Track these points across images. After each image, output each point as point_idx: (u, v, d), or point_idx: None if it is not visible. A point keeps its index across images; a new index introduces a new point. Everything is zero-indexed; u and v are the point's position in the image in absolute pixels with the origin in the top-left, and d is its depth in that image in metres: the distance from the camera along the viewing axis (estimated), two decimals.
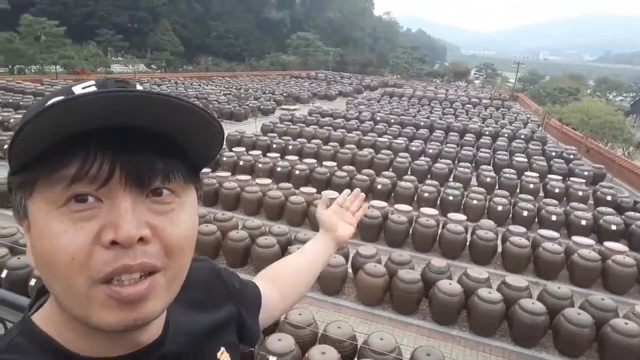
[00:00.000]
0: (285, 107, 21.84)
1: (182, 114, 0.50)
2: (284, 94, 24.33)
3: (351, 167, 10.82)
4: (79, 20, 39.49)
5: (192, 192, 0.59)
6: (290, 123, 16.00)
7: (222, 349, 0.76)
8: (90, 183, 0.48)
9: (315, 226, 8.18)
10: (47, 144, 0.48)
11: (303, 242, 6.62)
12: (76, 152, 0.48)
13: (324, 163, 11.16)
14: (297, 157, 11.62)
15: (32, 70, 26.32)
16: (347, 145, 12.90)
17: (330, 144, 13.03)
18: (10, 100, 16.36)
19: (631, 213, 8.88)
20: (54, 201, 0.49)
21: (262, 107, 20.14)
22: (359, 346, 4.43)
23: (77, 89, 0.49)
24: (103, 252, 0.48)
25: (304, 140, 13.22)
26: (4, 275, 5.12)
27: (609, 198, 9.95)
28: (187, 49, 42.18)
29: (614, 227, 8.21)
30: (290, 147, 12.58)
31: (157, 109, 0.48)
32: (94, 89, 0.49)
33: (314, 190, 9.12)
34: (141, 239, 0.50)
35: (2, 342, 0.56)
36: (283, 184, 9.33)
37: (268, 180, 9.61)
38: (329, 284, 6.14)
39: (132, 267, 0.49)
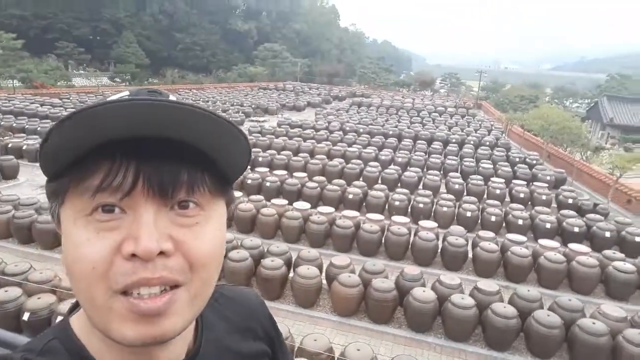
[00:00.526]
0: (254, 119, 21.74)
1: (208, 125, 0.50)
2: (253, 106, 24.21)
3: (322, 178, 10.83)
4: (37, 33, 38.22)
5: (220, 206, 0.58)
6: (259, 135, 15.93)
7: None
8: (114, 193, 0.48)
9: (287, 238, 8.12)
10: (74, 153, 0.49)
11: (276, 255, 6.55)
12: (102, 162, 0.49)
13: (295, 174, 11.13)
14: (267, 169, 11.55)
15: None
16: (317, 156, 12.94)
17: (300, 155, 13.03)
18: None
19: (592, 215, 9.26)
20: (81, 210, 0.49)
21: (230, 119, 19.93)
22: (336, 358, 4.39)
23: (113, 99, 0.49)
24: (123, 264, 0.48)
25: (273, 151, 13.17)
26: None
27: (570, 201, 10.35)
28: (153, 61, 41.44)
29: (576, 229, 8.52)
30: (260, 159, 12.49)
31: (183, 119, 0.48)
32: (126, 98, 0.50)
33: (285, 202, 9.06)
34: (162, 253, 0.48)
35: (38, 343, 0.57)
36: (254, 197, 9.24)
37: (239, 193, 9.49)
38: (304, 296, 6.08)
39: (151, 281, 0.48)
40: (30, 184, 10.44)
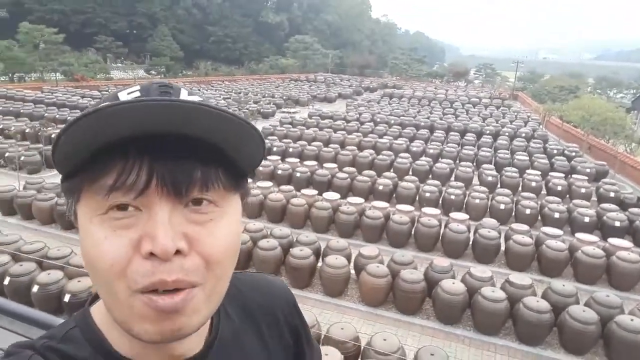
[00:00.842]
0: (285, 110, 21.85)
1: (219, 122, 0.49)
2: (284, 97, 24.33)
3: (352, 169, 10.80)
4: (77, 28, 39.58)
5: (235, 201, 0.58)
6: (290, 126, 16.00)
7: None
8: (127, 192, 0.48)
9: (316, 228, 8.16)
10: (86, 152, 0.48)
11: (305, 244, 6.60)
12: (115, 161, 0.48)
13: (325, 165, 11.14)
14: (297, 160, 11.61)
15: (32, 78, 26.39)
16: (348, 147, 12.90)
17: (331, 145, 13.02)
18: (11, 109, 16.40)
19: (635, 209, 8.85)
20: (96, 209, 0.50)
21: (262, 110, 20.14)
22: (362, 347, 4.41)
23: (123, 95, 0.50)
24: (142, 263, 0.48)
25: (304, 142, 13.21)
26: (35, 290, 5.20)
27: (612, 194, 9.92)
28: (186, 54, 42.25)
29: (617, 224, 8.17)
30: (290, 149, 12.57)
31: (191, 117, 0.48)
32: (137, 94, 0.50)
33: (315, 192, 9.10)
34: (178, 252, 0.49)
35: (60, 331, 0.58)
36: (284, 187, 9.32)
37: (269, 183, 9.59)
38: (332, 285, 6.12)
39: (168, 283, 0.48)
40: None
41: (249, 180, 0.63)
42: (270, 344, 0.74)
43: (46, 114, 15.73)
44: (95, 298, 0.63)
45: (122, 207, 0.49)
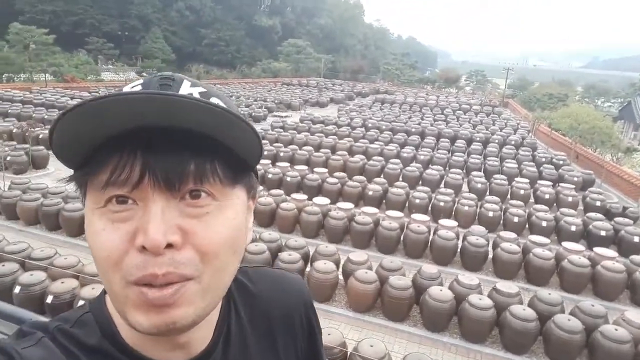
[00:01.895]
0: (276, 114, 21.84)
1: (209, 116, 0.49)
2: (276, 101, 24.31)
3: (343, 174, 10.81)
4: (68, 29, 39.28)
5: (236, 196, 0.57)
6: (281, 130, 15.99)
7: None
8: (122, 187, 0.49)
9: (306, 232, 8.14)
10: (81, 146, 0.50)
11: (294, 249, 6.58)
12: (111, 157, 0.49)
13: (316, 170, 11.14)
14: (288, 164, 11.60)
15: (21, 79, 26.09)
16: (339, 152, 12.91)
17: (322, 150, 13.02)
18: None
19: (620, 219, 8.95)
20: (96, 202, 0.51)
21: (253, 114, 20.11)
22: (348, 353, 4.39)
23: (126, 89, 0.51)
24: (136, 256, 0.49)
25: (295, 147, 13.21)
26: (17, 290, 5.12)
27: (598, 204, 10.03)
28: (179, 56, 42.17)
29: (603, 233, 8.26)
30: (281, 153, 12.56)
31: (180, 111, 0.47)
32: (139, 88, 0.51)
33: (305, 197, 9.09)
34: (171, 245, 0.49)
35: (74, 315, 0.60)
36: (274, 191, 9.29)
37: (259, 187, 9.54)
38: (320, 290, 6.10)
39: (159, 277, 0.48)
40: (59, 173, 10.78)
41: (259, 187, 0.62)
42: (278, 345, 0.74)
43: (34, 115, 15.54)
44: None
45: (122, 200, 0.50)
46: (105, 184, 0.49)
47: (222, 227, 0.53)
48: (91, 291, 4.94)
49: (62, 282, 5.16)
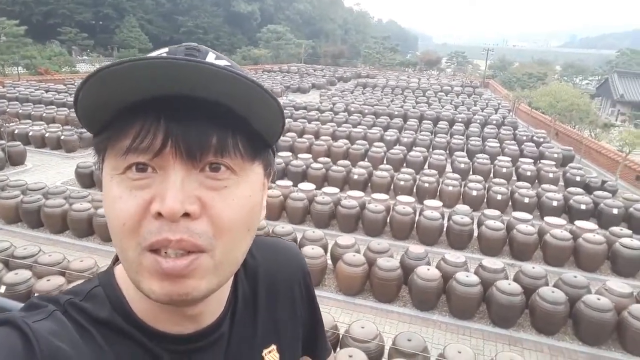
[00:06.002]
0: None
1: (237, 88, 0.48)
2: None
3: (327, 159, 10.81)
4: (40, 19, 38.05)
5: (255, 172, 0.57)
6: None
7: (273, 346, 0.73)
8: (143, 153, 0.49)
9: (292, 219, 8.14)
10: (106, 111, 0.49)
11: (281, 235, 6.58)
12: (134, 123, 0.49)
13: (299, 156, 11.11)
14: None
15: None
16: (322, 137, 12.88)
17: (305, 136, 12.97)
18: None
19: (599, 192, 9.17)
20: (115, 168, 0.51)
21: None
22: (340, 335, 4.44)
23: (151, 55, 0.50)
24: (151, 222, 0.49)
25: None
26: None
27: (578, 179, 10.25)
28: (156, 45, 40.97)
29: (583, 207, 8.45)
30: None
31: (209, 80, 0.47)
32: (164, 55, 0.49)
33: (290, 183, 9.07)
34: (187, 214, 0.49)
35: (84, 288, 0.60)
36: None
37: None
38: None
39: (172, 242, 0.48)
40: (37, 169, 10.53)
41: (273, 154, 0.64)
42: (282, 318, 0.75)
43: (8, 109, 15.07)
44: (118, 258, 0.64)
45: (141, 168, 0.50)
46: (126, 150, 0.49)
47: (239, 202, 0.53)
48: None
49: (48, 280, 5.07)
